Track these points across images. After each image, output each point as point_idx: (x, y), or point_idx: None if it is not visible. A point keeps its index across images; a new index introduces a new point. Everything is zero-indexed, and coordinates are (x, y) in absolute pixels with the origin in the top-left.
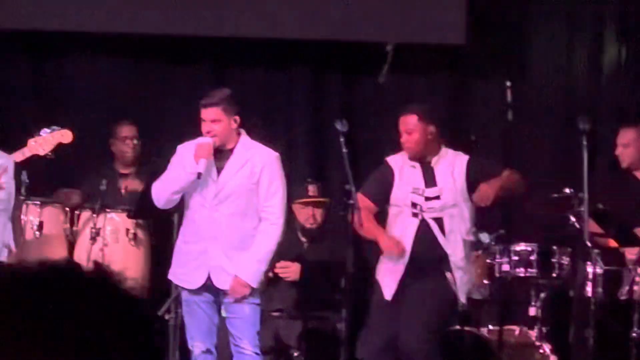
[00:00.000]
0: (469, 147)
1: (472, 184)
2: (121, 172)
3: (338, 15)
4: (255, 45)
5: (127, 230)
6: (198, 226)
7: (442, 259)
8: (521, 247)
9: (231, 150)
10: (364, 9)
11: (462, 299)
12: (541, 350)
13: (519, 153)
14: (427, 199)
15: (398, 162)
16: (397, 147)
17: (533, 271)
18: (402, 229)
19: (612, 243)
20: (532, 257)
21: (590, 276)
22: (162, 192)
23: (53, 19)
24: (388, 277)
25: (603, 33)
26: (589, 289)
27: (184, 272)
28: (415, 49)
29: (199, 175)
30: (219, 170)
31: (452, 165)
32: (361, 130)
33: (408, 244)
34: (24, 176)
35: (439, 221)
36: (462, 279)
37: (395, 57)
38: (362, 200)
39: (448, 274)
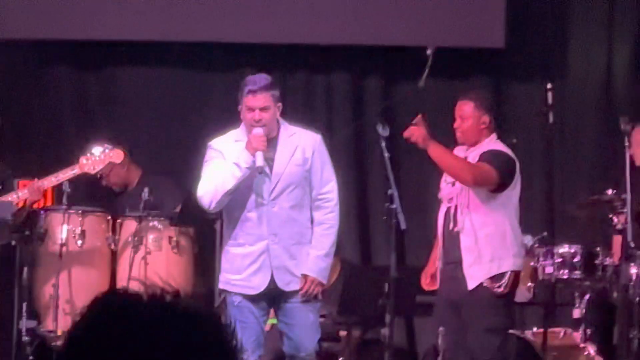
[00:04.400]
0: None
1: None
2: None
3: (377, 20)
4: (295, 50)
5: (170, 238)
6: (255, 225)
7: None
8: (564, 249)
9: (275, 139)
10: (404, 13)
11: (470, 285)
12: (586, 352)
13: (560, 155)
14: (452, 184)
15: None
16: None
17: (577, 273)
18: (440, 216)
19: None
20: (576, 259)
21: (634, 277)
22: (215, 194)
23: (93, 28)
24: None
25: None
26: (633, 290)
27: (243, 278)
28: (455, 53)
29: (260, 169)
30: (268, 162)
31: (478, 151)
32: (402, 135)
33: (440, 230)
34: (66, 185)
35: (454, 208)
36: (469, 264)
37: (435, 61)
38: None
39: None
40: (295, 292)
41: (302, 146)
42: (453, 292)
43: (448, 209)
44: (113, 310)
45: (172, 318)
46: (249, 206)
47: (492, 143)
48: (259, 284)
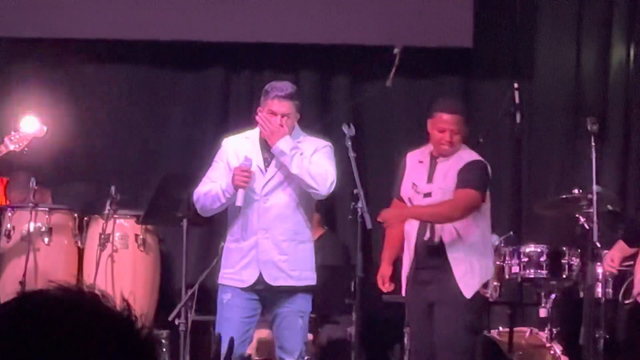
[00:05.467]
0: (477, 149)
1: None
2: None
3: (345, 19)
4: (262, 49)
5: (136, 236)
6: (248, 220)
7: (440, 255)
8: (531, 248)
9: None
10: (371, 12)
11: (467, 294)
12: (552, 352)
13: (527, 154)
14: (425, 195)
15: (414, 156)
16: (406, 150)
17: (543, 272)
18: (408, 225)
19: (622, 244)
20: (542, 259)
21: (600, 277)
22: (204, 206)
23: (61, 26)
24: (403, 275)
25: (611, 33)
26: (599, 289)
27: (234, 272)
28: (422, 52)
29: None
30: (267, 161)
31: (451, 163)
32: (369, 134)
33: (412, 240)
34: (33, 183)
35: None
36: (462, 274)
37: (402, 60)
38: (394, 202)
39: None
40: (283, 291)
41: (303, 149)
42: (432, 294)
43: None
44: (24, 312)
45: (84, 319)
46: (246, 202)
47: (467, 153)
48: (248, 278)
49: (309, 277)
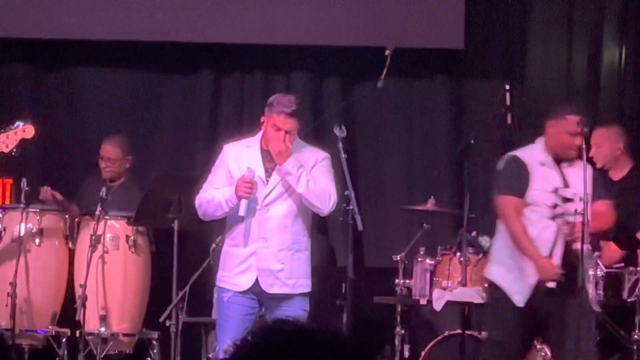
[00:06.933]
0: (468, 150)
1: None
2: (108, 184)
3: (336, 20)
4: (254, 51)
5: (127, 237)
6: (249, 228)
7: (576, 266)
8: None
9: None
10: (363, 14)
11: (596, 308)
12: (543, 353)
13: None
14: (564, 200)
15: (530, 158)
16: (397, 152)
17: None
18: (538, 230)
19: (612, 245)
20: None
21: (592, 279)
22: (206, 213)
23: (52, 27)
24: (519, 283)
25: (602, 35)
26: (590, 291)
27: (231, 275)
28: (413, 53)
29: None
30: (268, 172)
31: (578, 167)
32: (360, 135)
33: (546, 247)
34: (24, 184)
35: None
36: (592, 288)
37: (394, 61)
38: (511, 201)
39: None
40: (279, 297)
41: (304, 161)
42: (557, 310)
43: (570, 224)
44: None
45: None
46: (246, 210)
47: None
48: (244, 283)
49: (304, 285)
